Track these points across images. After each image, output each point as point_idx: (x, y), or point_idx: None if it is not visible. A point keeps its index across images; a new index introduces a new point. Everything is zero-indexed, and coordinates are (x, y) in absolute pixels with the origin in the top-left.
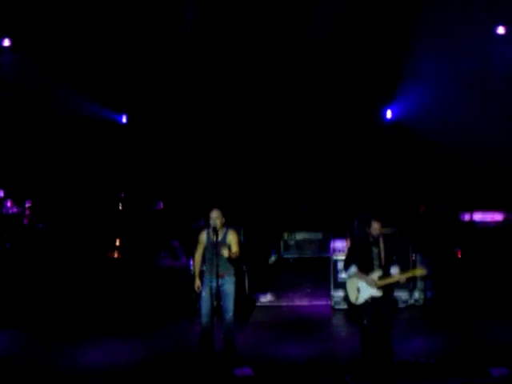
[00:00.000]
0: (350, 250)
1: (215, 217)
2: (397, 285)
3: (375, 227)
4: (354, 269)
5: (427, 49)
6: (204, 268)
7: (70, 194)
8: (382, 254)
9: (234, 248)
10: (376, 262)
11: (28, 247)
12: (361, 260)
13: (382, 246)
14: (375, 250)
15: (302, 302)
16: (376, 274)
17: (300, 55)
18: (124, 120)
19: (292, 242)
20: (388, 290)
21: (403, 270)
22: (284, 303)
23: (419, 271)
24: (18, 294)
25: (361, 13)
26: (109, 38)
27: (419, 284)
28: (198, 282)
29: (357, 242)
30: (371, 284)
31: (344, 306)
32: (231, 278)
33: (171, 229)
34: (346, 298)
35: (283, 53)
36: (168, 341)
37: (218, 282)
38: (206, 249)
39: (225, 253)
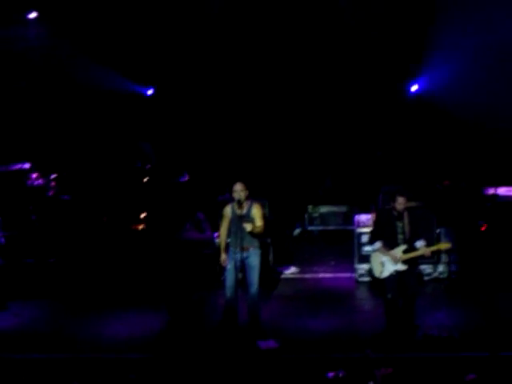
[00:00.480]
0: (375, 223)
1: (239, 189)
2: (421, 258)
3: (400, 201)
4: (378, 244)
5: (452, 22)
6: (229, 241)
7: (96, 166)
8: (407, 228)
9: (258, 222)
10: (400, 236)
11: (53, 219)
12: (386, 234)
13: (406, 220)
14: (400, 225)
15: (326, 274)
16: (401, 249)
17: (324, 28)
18: (150, 93)
19: (316, 215)
20: (413, 263)
21: (428, 243)
22: (308, 276)
23: (444, 245)
24: (43, 265)
25: None
26: (133, 10)
27: (443, 257)
28: (223, 256)
29: (382, 215)
30: (395, 260)
31: (368, 278)
32: (256, 250)
33: (197, 201)
34: (371, 272)
35: (307, 25)
36: (192, 313)
37: (242, 254)
38: (230, 222)
39: (248, 226)
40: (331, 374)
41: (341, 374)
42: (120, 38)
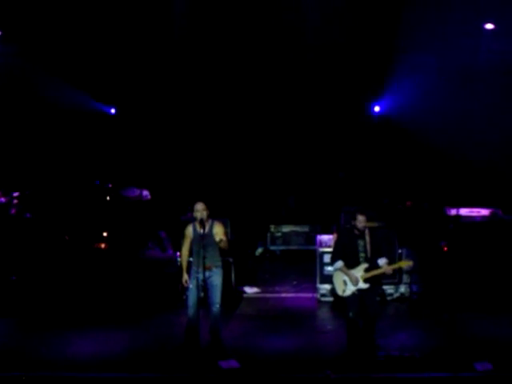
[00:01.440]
0: (336, 243)
1: (201, 209)
2: (383, 277)
3: (361, 219)
4: (340, 263)
5: (415, 44)
6: (191, 260)
7: (58, 184)
8: (368, 247)
9: (223, 238)
10: (362, 255)
11: (15, 237)
12: (347, 253)
13: (367, 238)
14: (361, 243)
15: (288, 294)
16: (362, 267)
17: (289, 50)
18: (113, 111)
19: (279, 235)
20: (375, 282)
21: (390, 262)
22: (270, 295)
23: (405, 263)
24: (4, 283)
25: (350, 8)
26: (98, 30)
27: (405, 278)
28: (185, 276)
29: (343, 234)
30: (355, 282)
31: (330, 298)
32: (218, 270)
33: (158, 220)
34: (333, 291)
35: (272, 47)
36: (154, 332)
37: (204, 273)
38: (192, 242)
39: (217, 238)
40: None
41: None
42: (84, 56)
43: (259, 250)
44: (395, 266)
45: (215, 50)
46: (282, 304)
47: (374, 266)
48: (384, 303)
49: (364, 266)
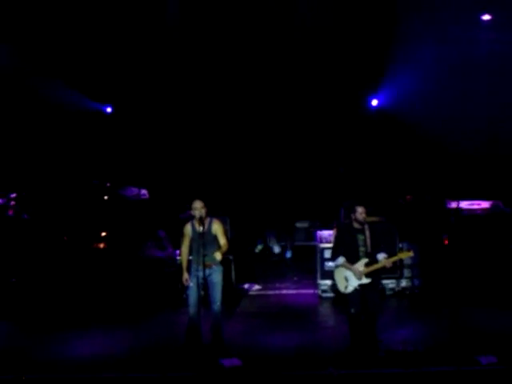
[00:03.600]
0: (336, 238)
1: (199, 207)
2: (384, 272)
3: (360, 211)
4: (341, 259)
5: (413, 36)
6: (191, 258)
7: (56, 185)
8: (368, 241)
9: (222, 239)
10: (362, 249)
11: (13, 238)
12: (347, 248)
13: (367, 233)
14: (361, 238)
15: (288, 290)
16: (362, 262)
17: (286, 43)
18: (109, 110)
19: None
20: (376, 277)
21: (390, 257)
22: (271, 292)
23: (405, 254)
24: (4, 285)
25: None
26: (94, 28)
27: (406, 272)
28: (185, 275)
29: (342, 230)
30: (358, 275)
31: (331, 294)
32: (218, 267)
33: (158, 219)
34: (335, 287)
35: (268, 40)
36: (155, 331)
37: (205, 271)
38: (192, 240)
39: (217, 256)
40: None
41: None
42: (79, 55)
43: (259, 247)
44: (395, 258)
45: (211, 45)
46: (283, 301)
47: (374, 260)
48: (383, 298)
49: (364, 260)
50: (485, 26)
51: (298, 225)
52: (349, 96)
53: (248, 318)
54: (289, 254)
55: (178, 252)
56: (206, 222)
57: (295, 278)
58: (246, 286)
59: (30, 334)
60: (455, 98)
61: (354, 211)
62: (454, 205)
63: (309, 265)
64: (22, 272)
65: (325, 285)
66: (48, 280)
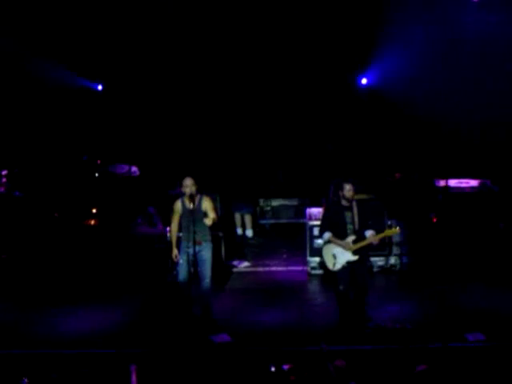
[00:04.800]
0: (323, 215)
1: (190, 184)
2: (371, 249)
3: (348, 188)
4: (327, 235)
5: (402, 15)
6: (181, 235)
7: (47, 162)
8: (356, 219)
9: (211, 214)
10: (350, 227)
11: (5, 215)
12: (334, 225)
13: (355, 210)
14: (348, 215)
15: (278, 267)
16: (350, 239)
17: (275, 18)
18: (100, 88)
19: (268, 209)
20: (363, 254)
21: (377, 234)
22: (260, 269)
23: (392, 231)
24: None
25: None
26: (86, 4)
27: (395, 249)
28: (175, 251)
29: (330, 207)
30: (346, 248)
31: (320, 271)
32: (208, 244)
33: (147, 195)
34: (323, 265)
35: (257, 16)
36: (144, 307)
37: (195, 248)
38: (181, 217)
39: (207, 221)
40: (286, 367)
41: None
42: (69, 32)
43: None
44: (382, 235)
45: (203, 25)
46: (273, 277)
47: (361, 237)
48: (371, 275)
49: (351, 238)
50: (474, 6)
51: (288, 202)
52: (338, 74)
53: (237, 294)
54: (249, 233)
55: (167, 229)
56: (196, 199)
57: (284, 256)
58: (236, 262)
59: (20, 310)
60: (445, 77)
61: (342, 188)
62: (442, 183)
63: (298, 242)
64: (13, 248)
65: (314, 262)
66: (39, 256)
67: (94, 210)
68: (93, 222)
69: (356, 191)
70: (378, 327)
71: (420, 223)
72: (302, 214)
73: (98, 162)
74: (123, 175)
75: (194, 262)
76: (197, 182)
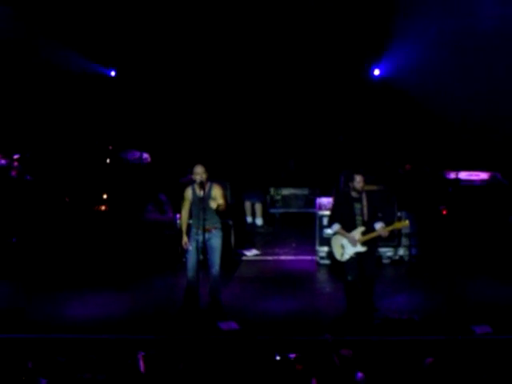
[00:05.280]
0: (333, 206)
1: (201, 172)
2: (381, 240)
3: (358, 180)
4: (336, 226)
5: (415, 7)
6: (191, 222)
7: (59, 146)
8: (365, 210)
9: (221, 201)
10: (359, 218)
11: (16, 199)
12: (344, 216)
13: (365, 201)
14: (358, 206)
15: (287, 256)
16: (359, 230)
17: (286, 10)
18: (113, 74)
19: (278, 198)
20: (372, 245)
21: (387, 225)
22: (270, 258)
23: (401, 223)
24: (5, 245)
25: None
26: None
27: (404, 241)
28: (185, 239)
29: (340, 198)
30: (353, 243)
31: (329, 261)
32: (218, 232)
33: (159, 183)
34: (331, 255)
35: (269, 6)
36: (153, 294)
37: (204, 236)
38: (192, 204)
39: (213, 204)
40: (293, 356)
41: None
42: (82, 19)
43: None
44: (391, 227)
45: (218, 12)
46: (282, 266)
47: (370, 229)
48: (379, 266)
49: (361, 229)
50: None
51: (298, 192)
52: (351, 65)
53: (246, 282)
54: (259, 222)
55: (178, 216)
56: (207, 186)
57: (294, 245)
58: (245, 251)
59: (30, 295)
60: (457, 70)
61: (352, 180)
62: (452, 175)
63: (308, 232)
64: (23, 232)
65: (323, 251)
66: (49, 241)
67: (105, 196)
68: (103, 208)
69: (366, 182)
70: (385, 318)
71: (430, 215)
72: (312, 204)
73: (110, 147)
74: (134, 161)
75: (204, 250)
76: (207, 170)
